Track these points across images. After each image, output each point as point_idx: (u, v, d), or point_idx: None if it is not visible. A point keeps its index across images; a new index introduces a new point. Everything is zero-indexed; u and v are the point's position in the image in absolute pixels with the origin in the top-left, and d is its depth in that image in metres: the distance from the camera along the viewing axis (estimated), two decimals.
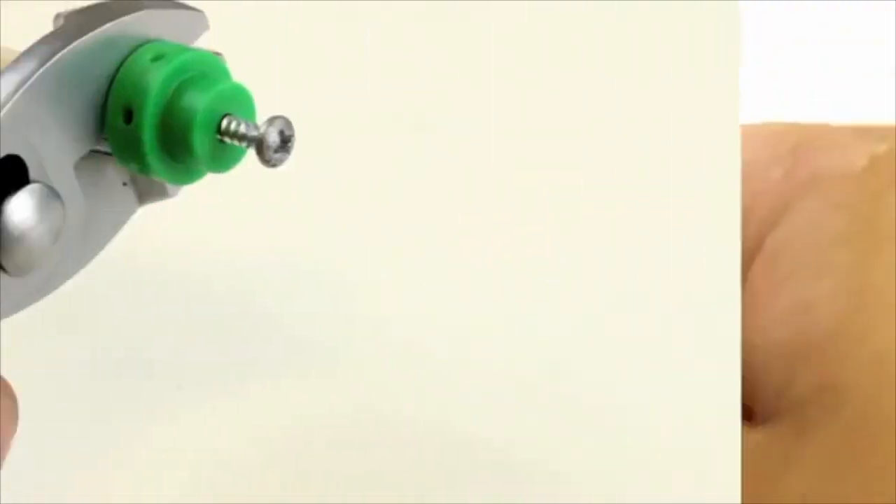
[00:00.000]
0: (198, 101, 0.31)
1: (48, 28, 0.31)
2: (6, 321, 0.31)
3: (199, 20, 0.34)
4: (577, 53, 0.61)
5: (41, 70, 0.30)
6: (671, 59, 0.59)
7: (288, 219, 0.54)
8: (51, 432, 0.43)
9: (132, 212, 0.35)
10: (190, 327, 0.49)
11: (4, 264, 0.30)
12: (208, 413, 0.46)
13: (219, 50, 0.33)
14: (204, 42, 0.34)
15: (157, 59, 0.31)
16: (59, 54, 0.30)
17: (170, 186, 0.35)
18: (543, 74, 0.61)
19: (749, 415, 0.33)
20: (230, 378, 0.47)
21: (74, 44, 0.30)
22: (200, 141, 0.31)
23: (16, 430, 0.30)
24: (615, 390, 0.48)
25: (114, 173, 0.34)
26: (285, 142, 0.32)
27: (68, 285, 0.33)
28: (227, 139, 0.32)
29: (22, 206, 0.30)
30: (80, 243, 0.33)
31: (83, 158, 0.32)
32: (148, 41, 0.32)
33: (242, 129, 0.31)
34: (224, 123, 0.32)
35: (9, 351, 0.33)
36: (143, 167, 0.32)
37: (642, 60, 0.60)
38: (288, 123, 0.32)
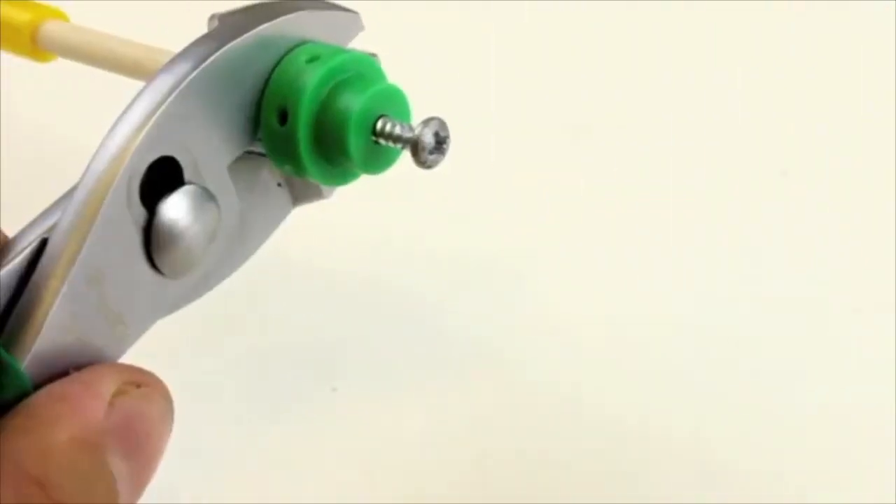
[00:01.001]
0: (353, 103, 0.31)
1: (203, 29, 0.31)
2: (160, 322, 0.31)
3: (354, 21, 0.34)
4: None
5: (196, 72, 0.30)
6: None
7: (445, 217, 0.54)
8: (204, 433, 0.43)
9: (287, 213, 0.35)
10: (344, 328, 0.49)
11: (160, 265, 0.30)
12: (362, 415, 0.46)
13: (374, 51, 0.33)
14: (359, 43, 0.34)
15: (312, 60, 0.31)
16: (214, 56, 0.30)
17: (324, 188, 0.35)
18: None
19: None
20: (384, 380, 0.47)
21: (229, 45, 0.30)
22: (355, 142, 0.31)
23: (171, 432, 0.30)
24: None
25: (268, 174, 0.34)
26: (440, 143, 0.31)
27: (222, 285, 0.33)
28: (381, 141, 0.31)
29: (177, 208, 0.30)
30: (235, 244, 0.33)
31: (238, 160, 0.32)
32: (303, 42, 0.32)
33: (397, 130, 0.31)
34: (379, 125, 0.31)
35: (164, 351, 0.33)
36: (298, 168, 0.32)
37: None
38: (443, 125, 0.31)
